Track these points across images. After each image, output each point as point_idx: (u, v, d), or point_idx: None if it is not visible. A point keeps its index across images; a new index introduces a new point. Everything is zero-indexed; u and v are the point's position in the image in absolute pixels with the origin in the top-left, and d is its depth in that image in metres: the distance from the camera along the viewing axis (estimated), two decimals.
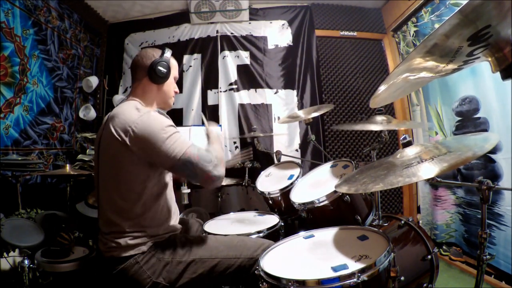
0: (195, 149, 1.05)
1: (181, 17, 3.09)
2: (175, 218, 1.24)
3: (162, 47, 1.26)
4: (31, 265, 1.30)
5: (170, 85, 1.27)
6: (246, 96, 3.01)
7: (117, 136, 1.03)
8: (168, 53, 1.22)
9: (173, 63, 1.26)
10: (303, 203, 1.43)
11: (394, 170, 0.93)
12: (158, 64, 1.18)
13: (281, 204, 1.77)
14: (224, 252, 1.16)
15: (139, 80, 1.22)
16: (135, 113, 1.07)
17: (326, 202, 1.37)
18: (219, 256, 1.14)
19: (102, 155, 1.12)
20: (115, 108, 1.15)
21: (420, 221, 2.65)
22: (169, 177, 1.21)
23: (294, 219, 1.81)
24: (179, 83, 3.00)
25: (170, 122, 1.09)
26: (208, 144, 1.21)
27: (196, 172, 1.04)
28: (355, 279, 0.84)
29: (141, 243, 1.07)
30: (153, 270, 1.06)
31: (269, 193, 1.79)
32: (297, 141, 2.97)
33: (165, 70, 1.19)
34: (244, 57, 3.05)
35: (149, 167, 1.07)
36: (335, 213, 1.39)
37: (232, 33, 3.08)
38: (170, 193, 1.21)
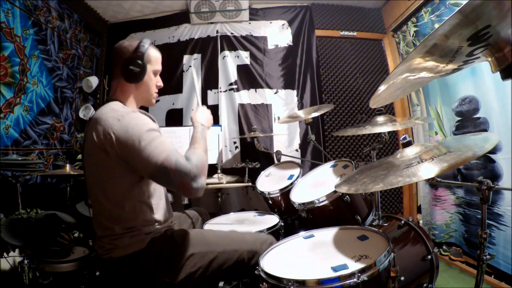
0: (174, 157, 0.95)
1: (181, 17, 3.09)
2: (168, 213, 1.22)
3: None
4: (31, 265, 1.30)
5: (149, 82, 1.17)
6: (246, 96, 3.01)
7: (98, 142, 0.99)
8: (143, 46, 1.11)
9: (152, 55, 1.15)
10: (303, 203, 1.43)
11: (394, 170, 0.93)
12: (130, 63, 1.09)
13: (281, 204, 1.78)
14: (223, 246, 1.15)
15: (116, 78, 1.15)
16: (115, 116, 1.00)
17: (326, 202, 1.37)
18: (218, 250, 1.14)
19: (86, 160, 1.10)
20: (97, 111, 1.09)
21: (420, 221, 2.65)
22: None
23: (294, 219, 1.82)
24: (179, 83, 3.01)
25: (152, 125, 1.02)
26: (191, 146, 1.08)
27: (172, 182, 0.95)
28: (355, 279, 0.84)
29: (138, 241, 1.07)
30: (153, 266, 1.06)
31: (269, 193, 1.79)
32: (297, 141, 2.97)
33: (138, 69, 1.10)
34: (244, 57, 3.05)
35: (132, 172, 1.03)
36: (335, 213, 1.40)
37: (232, 33, 3.08)
38: (158, 190, 1.17)
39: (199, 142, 1.10)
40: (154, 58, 1.17)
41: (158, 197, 1.17)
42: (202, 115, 1.24)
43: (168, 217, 1.21)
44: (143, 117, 1.04)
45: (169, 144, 1.00)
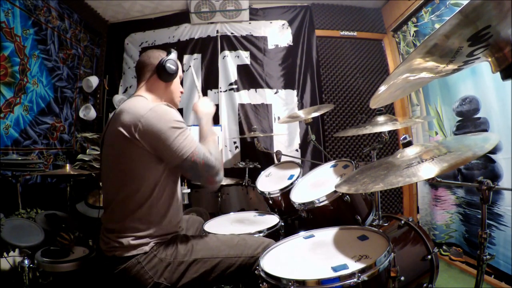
0: (202, 152, 1.06)
1: (181, 17, 3.09)
2: (180, 219, 1.24)
3: (164, 47, 1.27)
4: (31, 265, 1.30)
5: (177, 85, 1.29)
6: (246, 96, 3.01)
7: (125, 132, 1.02)
8: (174, 54, 1.25)
9: (179, 64, 1.28)
10: (303, 203, 1.43)
11: (394, 170, 0.93)
12: (167, 62, 1.20)
13: (281, 204, 1.78)
14: (225, 252, 1.16)
15: (146, 80, 1.23)
16: (144, 107, 1.06)
17: (326, 202, 1.37)
18: (220, 255, 1.15)
19: (106, 152, 1.12)
20: (122, 104, 1.13)
21: (419, 222, 2.65)
22: (176, 176, 1.19)
23: (294, 219, 1.82)
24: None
25: (179, 117, 1.08)
26: (203, 139, 1.20)
27: (201, 175, 1.07)
28: (355, 279, 0.84)
29: (144, 243, 1.07)
30: (155, 270, 1.06)
31: (269, 193, 1.79)
32: (297, 141, 2.97)
33: (174, 68, 1.22)
34: (244, 57, 3.05)
35: (155, 165, 1.07)
36: (335, 213, 1.39)
37: (232, 33, 3.08)
38: (176, 193, 1.19)
39: (210, 135, 1.21)
40: (180, 66, 1.29)
41: (176, 199, 1.18)
42: (205, 105, 1.32)
43: (178, 221, 1.22)
44: (171, 110, 1.10)
45: (195, 138, 1.09)
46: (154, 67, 1.21)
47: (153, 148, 1.03)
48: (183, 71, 3.01)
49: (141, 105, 1.07)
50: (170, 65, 1.21)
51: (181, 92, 1.34)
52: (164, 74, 1.21)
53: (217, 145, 1.17)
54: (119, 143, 1.05)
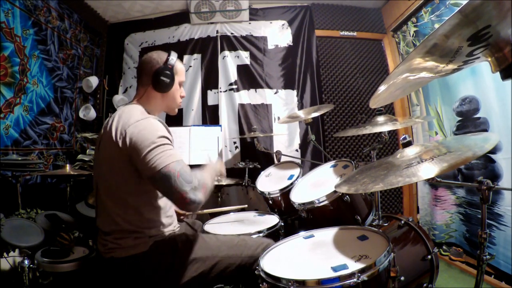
0: (179, 166, 0.98)
1: (181, 17, 3.09)
2: (173, 218, 1.24)
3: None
4: (31, 265, 1.30)
5: (175, 92, 1.23)
6: (246, 96, 3.01)
7: (114, 137, 1.03)
8: (172, 59, 1.19)
9: (179, 68, 1.23)
10: (303, 203, 1.43)
11: (394, 170, 0.93)
12: (161, 74, 1.15)
13: (281, 204, 1.78)
14: (225, 251, 1.16)
15: (144, 86, 1.20)
16: (133, 117, 1.06)
17: (326, 202, 1.37)
18: (219, 255, 1.15)
19: (101, 155, 1.12)
20: (120, 109, 1.14)
21: (419, 222, 2.65)
22: None
23: (294, 219, 1.82)
24: None
25: (165, 133, 1.05)
26: (200, 170, 1.13)
27: (172, 189, 0.96)
28: (355, 279, 0.84)
29: (142, 243, 1.07)
30: (154, 269, 1.06)
31: (269, 193, 1.79)
32: (297, 141, 2.97)
33: (168, 80, 1.17)
34: (244, 57, 3.05)
35: (135, 172, 1.05)
36: (335, 213, 1.39)
37: (232, 33, 3.08)
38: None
39: (208, 170, 1.15)
40: (180, 70, 1.24)
41: (165, 199, 1.17)
42: (220, 166, 1.29)
43: (172, 221, 1.22)
44: (159, 124, 1.08)
45: (178, 154, 1.03)
46: (151, 74, 1.16)
47: (131, 158, 1.01)
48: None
49: (132, 114, 1.07)
50: (164, 78, 1.15)
51: (182, 96, 1.28)
52: (158, 86, 1.17)
53: (207, 177, 1.09)
54: (109, 148, 1.06)
